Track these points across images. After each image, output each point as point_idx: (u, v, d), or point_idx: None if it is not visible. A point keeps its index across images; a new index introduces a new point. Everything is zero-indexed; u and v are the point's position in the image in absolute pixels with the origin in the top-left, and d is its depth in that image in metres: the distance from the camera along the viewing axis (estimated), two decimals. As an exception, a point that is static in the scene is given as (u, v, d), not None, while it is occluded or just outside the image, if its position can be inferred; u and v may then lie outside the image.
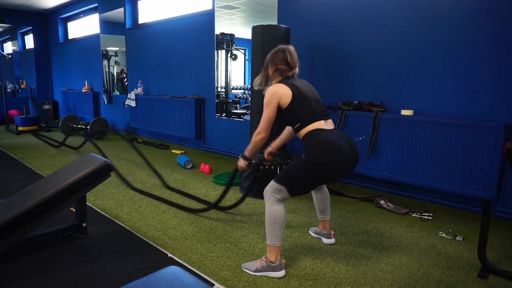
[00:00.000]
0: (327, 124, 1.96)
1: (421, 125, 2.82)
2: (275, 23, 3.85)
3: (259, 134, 2.02)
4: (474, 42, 2.65)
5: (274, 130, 2.91)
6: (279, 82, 2.04)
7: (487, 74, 2.61)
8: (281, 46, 2.13)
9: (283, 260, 1.94)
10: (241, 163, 2.18)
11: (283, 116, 2.03)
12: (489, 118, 2.61)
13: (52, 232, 2.19)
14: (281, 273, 1.88)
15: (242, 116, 4.80)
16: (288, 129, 2.29)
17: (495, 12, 2.54)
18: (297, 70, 2.12)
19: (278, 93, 1.96)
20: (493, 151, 2.51)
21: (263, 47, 3.01)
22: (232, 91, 5.50)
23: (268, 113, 1.98)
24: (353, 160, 1.91)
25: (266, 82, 2.13)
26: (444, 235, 2.42)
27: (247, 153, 2.15)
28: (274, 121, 2.01)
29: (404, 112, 2.94)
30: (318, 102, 2.03)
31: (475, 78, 2.67)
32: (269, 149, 2.38)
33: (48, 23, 8.73)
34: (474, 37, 2.64)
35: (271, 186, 1.88)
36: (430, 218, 2.70)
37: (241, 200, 2.65)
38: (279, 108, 2.00)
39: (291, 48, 2.12)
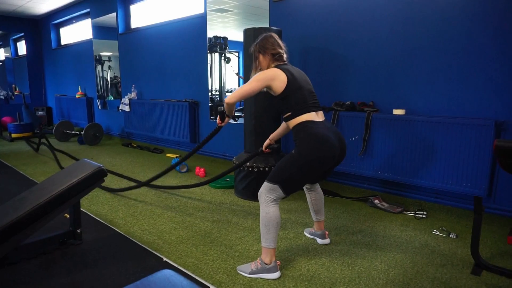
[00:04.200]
0: (318, 116, 1.96)
1: (413, 124, 2.84)
2: (268, 25, 3.87)
3: (230, 99, 1.98)
4: (463, 41, 2.68)
5: (271, 123, 2.94)
6: (276, 66, 1.99)
7: (477, 72, 2.64)
8: (265, 34, 2.10)
9: (278, 261, 1.94)
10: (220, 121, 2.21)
11: (275, 103, 2.01)
12: (480, 115, 2.64)
13: (47, 239, 2.18)
14: (276, 274, 1.88)
15: (236, 119, 4.81)
16: (285, 123, 2.26)
17: (483, 12, 2.57)
18: (286, 54, 2.10)
19: (273, 75, 1.90)
20: (484, 148, 2.53)
21: (255, 49, 3.02)
22: (227, 94, 5.51)
23: (251, 87, 1.90)
24: (341, 152, 1.94)
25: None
26: (438, 233, 2.44)
27: (226, 111, 2.13)
28: (269, 113, 1.99)
29: (396, 111, 2.97)
30: (311, 93, 2.01)
31: (465, 76, 2.70)
32: (267, 141, 2.42)
33: (40, 29, 8.71)
34: (463, 37, 2.67)
35: (265, 187, 1.89)
36: (424, 216, 2.73)
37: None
38: (271, 95, 1.98)
39: (274, 34, 2.10)
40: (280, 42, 2.07)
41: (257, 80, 1.91)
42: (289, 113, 1.95)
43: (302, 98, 1.93)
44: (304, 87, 1.97)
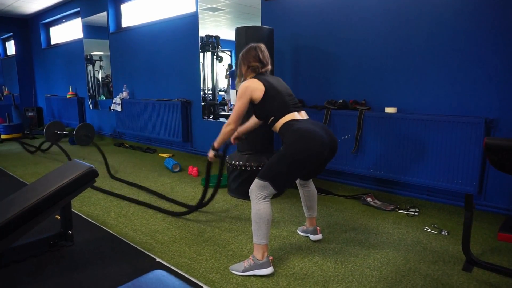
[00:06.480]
0: (300, 115, 2.03)
1: (405, 122, 2.86)
2: (260, 24, 3.86)
3: (228, 126, 2.08)
4: (452, 40, 2.70)
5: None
6: (253, 78, 2.09)
7: (467, 71, 2.67)
8: (252, 44, 2.20)
9: (270, 257, 1.94)
10: (210, 154, 2.26)
11: (256, 111, 2.10)
12: (470, 113, 2.67)
13: (37, 241, 2.15)
14: (269, 269, 1.88)
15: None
16: (254, 118, 2.31)
17: (474, 12, 2.59)
18: (269, 66, 2.18)
19: (251, 87, 2.03)
20: (475, 146, 2.56)
21: (247, 48, 3.02)
22: (219, 93, 5.49)
23: (239, 106, 2.04)
24: (332, 145, 1.96)
25: (242, 79, 2.19)
26: (430, 230, 2.46)
27: (215, 143, 2.21)
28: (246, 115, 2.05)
29: (388, 109, 2.99)
30: (290, 96, 2.10)
31: (456, 74, 2.72)
32: (235, 134, 2.37)
33: (29, 29, 8.59)
34: (453, 36, 2.69)
35: (256, 184, 1.91)
36: (416, 213, 2.75)
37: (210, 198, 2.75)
38: (252, 103, 2.06)
39: (262, 46, 2.19)
40: (261, 55, 2.13)
41: (241, 97, 2.04)
42: (272, 118, 2.02)
43: (282, 102, 2.02)
44: (283, 91, 2.07)
